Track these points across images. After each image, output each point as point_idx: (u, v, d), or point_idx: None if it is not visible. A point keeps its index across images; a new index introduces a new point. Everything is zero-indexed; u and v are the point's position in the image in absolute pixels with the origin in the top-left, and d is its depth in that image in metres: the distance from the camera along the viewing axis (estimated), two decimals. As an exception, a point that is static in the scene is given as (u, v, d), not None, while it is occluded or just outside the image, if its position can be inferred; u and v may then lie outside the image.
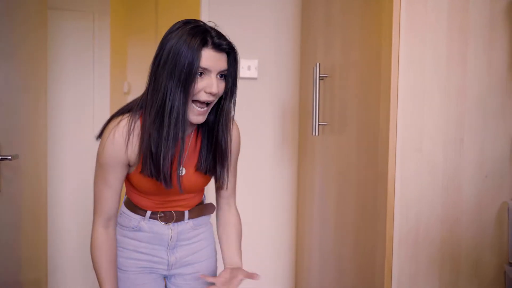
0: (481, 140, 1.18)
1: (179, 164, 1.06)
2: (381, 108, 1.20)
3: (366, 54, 1.33)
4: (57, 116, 2.80)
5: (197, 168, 1.13)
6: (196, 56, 0.98)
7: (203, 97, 1.01)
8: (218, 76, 1.02)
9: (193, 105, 1.02)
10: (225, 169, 1.14)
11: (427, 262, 1.17)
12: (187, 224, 1.21)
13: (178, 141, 1.03)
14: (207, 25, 1.05)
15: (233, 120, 1.14)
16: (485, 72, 1.18)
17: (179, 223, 1.19)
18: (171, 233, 1.18)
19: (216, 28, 1.06)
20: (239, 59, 1.07)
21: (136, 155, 1.06)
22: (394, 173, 1.16)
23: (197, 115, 1.03)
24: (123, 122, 1.06)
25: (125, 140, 1.05)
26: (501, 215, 1.18)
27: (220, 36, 1.03)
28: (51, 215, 2.56)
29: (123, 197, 1.24)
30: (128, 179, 1.14)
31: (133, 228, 1.19)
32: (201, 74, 1.00)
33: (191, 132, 1.12)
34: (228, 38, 1.04)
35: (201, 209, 1.24)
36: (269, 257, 2.20)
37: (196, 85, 1.00)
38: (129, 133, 1.05)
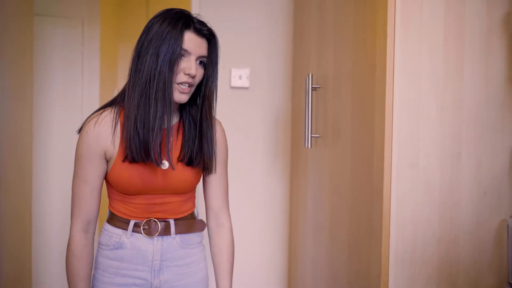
0: (479, 154, 1.14)
1: (168, 151, 1.05)
2: (376, 122, 1.16)
3: (360, 65, 1.29)
4: (44, 125, 2.73)
5: (181, 159, 1.10)
6: (180, 37, 1.03)
7: (182, 78, 1.05)
8: (198, 62, 1.07)
9: (175, 85, 1.05)
10: (212, 155, 1.12)
11: (424, 282, 1.12)
12: (174, 240, 1.12)
13: (164, 121, 1.03)
14: (190, 13, 1.10)
15: (215, 119, 1.16)
16: (482, 84, 1.14)
17: (164, 237, 1.11)
18: (154, 249, 1.10)
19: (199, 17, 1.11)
20: (219, 47, 1.12)
21: (117, 144, 1.06)
22: (390, 190, 1.11)
23: (180, 93, 1.05)
24: (104, 113, 1.08)
25: (105, 130, 1.06)
26: (500, 233, 1.13)
27: (201, 22, 1.09)
28: (36, 227, 2.48)
29: (107, 214, 1.18)
30: (108, 181, 1.10)
31: (113, 245, 1.11)
32: (181, 56, 1.04)
33: (173, 124, 1.12)
34: (209, 25, 1.10)
35: (189, 224, 1.16)
36: (261, 274, 2.14)
37: (181, 64, 1.04)
38: (112, 122, 1.06)
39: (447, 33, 1.13)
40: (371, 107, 1.19)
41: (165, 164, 1.07)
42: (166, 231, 1.12)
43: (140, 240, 1.10)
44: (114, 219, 1.13)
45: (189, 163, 1.11)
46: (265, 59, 2.14)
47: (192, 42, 1.04)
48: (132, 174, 1.06)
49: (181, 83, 1.05)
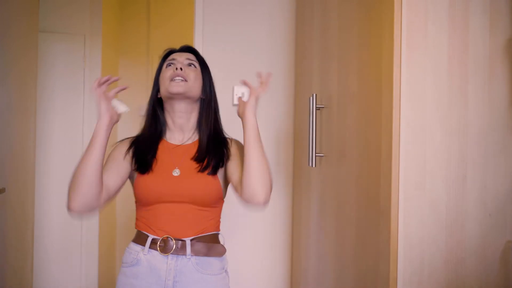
0: (484, 177, 1.16)
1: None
2: (383, 144, 1.18)
3: (365, 88, 1.32)
4: (45, 139, 2.73)
5: (195, 159, 1.19)
6: (165, 58, 1.30)
7: (173, 74, 1.22)
8: (187, 64, 1.27)
9: (170, 81, 1.22)
10: (211, 152, 1.21)
11: (431, 303, 1.14)
12: (189, 261, 1.12)
13: (155, 130, 1.25)
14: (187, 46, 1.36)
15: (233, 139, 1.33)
16: (486, 108, 1.17)
17: (179, 256, 1.12)
18: (168, 267, 1.11)
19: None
20: (208, 66, 1.34)
21: (130, 159, 1.23)
22: (397, 211, 1.13)
23: (174, 85, 1.20)
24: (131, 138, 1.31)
25: (125, 148, 1.25)
26: (505, 254, 1.15)
27: (188, 45, 1.35)
28: (38, 248, 2.47)
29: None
30: (135, 194, 1.20)
31: (131, 262, 1.14)
32: (169, 65, 1.26)
33: (192, 142, 1.26)
34: (194, 48, 1.35)
35: (208, 246, 1.14)
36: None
37: (165, 72, 1.24)
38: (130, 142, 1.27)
39: (451, 58, 1.16)
40: (378, 129, 1.21)
41: (177, 171, 1.16)
42: (181, 250, 1.13)
43: (156, 257, 1.13)
44: (137, 236, 1.19)
45: (201, 168, 1.18)
46: (268, 77, 2.16)
47: (176, 55, 1.29)
48: (148, 182, 1.16)
49: (173, 78, 1.21)
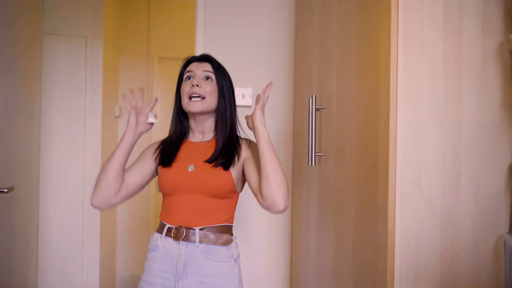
0: (477, 175, 1.21)
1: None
2: (381, 144, 1.22)
3: (364, 89, 1.37)
4: (48, 139, 2.77)
5: (208, 160, 1.31)
6: (185, 68, 1.40)
7: (191, 91, 1.32)
8: (205, 78, 1.36)
9: (189, 100, 1.34)
10: (220, 151, 1.33)
11: (427, 296, 1.18)
12: (198, 248, 1.24)
13: (180, 133, 1.39)
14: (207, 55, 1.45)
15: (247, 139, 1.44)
16: (479, 109, 1.22)
17: (189, 243, 1.24)
18: (179, 253, 1.24)
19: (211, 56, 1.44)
20: (227, 72, 1.42)
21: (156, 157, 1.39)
22: (394, 208, 1.18)
23: (192, 104, 1.33)
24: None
25: (156, 146, 1.42)
26: (498, 249, 1.20)
27: (205, 55, 1.43)
28: (42, 246, 2.51)
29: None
30: (159, 186, 1.34)
31: (152, 248, 1.29)
32: (189, 78, 1.36)
33: (209, 140, 1.39)
34: (211, 56, 1.43)
35: (215, 236, 1.27)
36: None
37: (184, 86, 1.35)
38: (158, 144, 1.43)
39: (446, 61, 1.21)
40: (375, 129, 1.26)
41: (192, 167, 1.30)
42: (190, 238, 1.25)
43: (170, 243, 1.27)
44: (159, 225, 1.33)
45: (214, 165, 1.30)
46: (268, 78, 2.21)
47: (193, 66, 1.38)
48: (167, 174, 1.30)
49: (192, 96, 1.32)
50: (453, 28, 1.21)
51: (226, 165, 1.30)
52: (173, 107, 1.41)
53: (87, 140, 2.87)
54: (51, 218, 2.73)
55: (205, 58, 1.40)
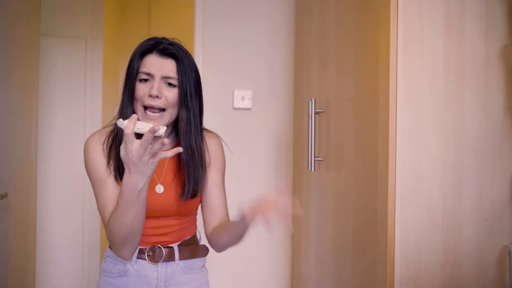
0: (480, 183, 1.17)
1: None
2: (380, 150, 1.19)
3: (362, 93, 1.33)
4: (47, 143, 2.75)
5: (183, 196, 1.10)
6: (139, 62, 1.04)
7: (147, 101, 1.03)
8: (166, 84, 1.04)
9: (147, 111, 1.04)
10: (192, 178, 1.09)
11: (428, 307, 1.15)
12: (178, 265, 1.14)
13: None
14: (166, 39, 1.08)
15: (214, 134, 1.18)
16: (482, 115, 1.18)
17: (168, 263, 1.12)
18: (159, 275, 1.11)
19: (179, 42, 1.09)
20: (194, 67, 1.08)
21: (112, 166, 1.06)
22: (394, 216, 1.14)
23: (150, 118, 1.03)
24: (100, 131, 1.11)
25: (97, 149, 1.07)
26: (502, 259, 1.16)
27: (171, 43, 1.06)
28: (40, 253, 2.49)
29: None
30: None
31: (118, 273, 1.11)
32: (145, 80, 1.04)
33: (170, 148, 1.09)
34: (181, 46, 1.07)
35: (193, 249, 1.17)
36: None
37: (138, 89, 1.03)
38: (102, 143, 1.07)
39: (447, 64, 1.17)
40: (375, 135, 1.23)
41: (160, 187, 1.09)
42: (170, 257, 1.13)
43: (145, 267, 1.12)
44: None
45: (183, 196, 1.10)
46: (267, 81, 2.18)
47: (153, 64, 1.03)
48: None
49: (149, 108, 1.03)
50: (455, 31, 1.17)
51: (195, 194, 1.12)
52: (120, 106, 1.07)
53: (86, 143, 2.85)
54: (49, 223, 2.71)
55: (169, 53, 1.05)
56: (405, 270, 1.14)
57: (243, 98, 2.17)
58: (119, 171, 1.05)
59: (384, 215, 1.15)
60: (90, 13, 2.89)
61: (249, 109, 2.18)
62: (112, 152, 1.07)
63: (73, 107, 2.83)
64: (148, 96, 1.02)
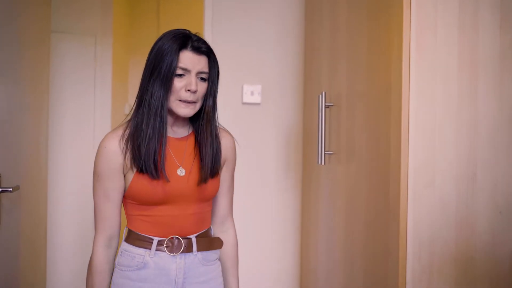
0: (494, 175, 1.16)
1: (163, 162, 1.11)
2: (392, 143, 1.18)
3: (374, 86, 1.32)
4: (57, 139, 2.77)
5: (202, 177, 1.15)
6: (175, 57, 1.10)
7: (184, 95, 1.11)
8: (199, 79, 1.13)
9: (179, 102, 1.12)
10: (207, 163, 1.17)
11: (441, 301, 1.14)
12: (196, 257, 1.15)
13: (161, 134, 1.11)
14: (190, 33, 1.17)
15: (225, 130, 1.24)
16: (496, 107, 1.17)
17: (187, 254, 1.14)
18: (177, 267, 1.13)
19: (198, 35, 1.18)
20: (217, 61, 1.18)
21: (130, 158, 1.12)
22: (406, 210, 1.13)
23: (183, 107, 1.12)
24: (116, 130, 1.15)
25: (117, 145, 1.12)
26: (516, 253, 1.15)
27: (200, 40, 1.15)
28: (51, 246, 2.51)
29: (123, 232, 1.20)
30: (130, 195, 1.13)
31: (136, 266, 1.13)
32: (181, 75, 1.11)
33: (188, 134, 1.19)
34: (208, 43, 1.17)
35: (210, 241, 1.20)
36: None
37: (176, 84, 1.11)
38: (121, 138, 1.13)
39: (461, 57, 1.16)
40: (387, 128, 1.22)
41: (182, 170, 1.14)
42: (188, 249, 1.15)
43: (164, 259, 1.13)
44: (135, 238, 1.15)
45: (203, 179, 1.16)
46: (277, 75, 2.17)
47: (189, 60, 1.11)
48: (153, 182, 1.11)
49: (184, 100, 1.12)
50: (469, 24, 1.16)
51: (218, 170, 1.19)
52: (141, 96, 1.13)
53: (96, 139, 2.86)
54: (60, 217, 2.73)
55: (204, 51, 1.13)
56: (418, 263, 1.13)
57: (252, 93, 2.17)
58: (134, 161, 1.12)
59: (396, 207, 1.14)
60: (100, 10, 2.90)
61: (258, 104, 2.17)
62: (128, 148, 1.13)
63: (83, 103, 2.85)
64: (186, 91, 1.11)
